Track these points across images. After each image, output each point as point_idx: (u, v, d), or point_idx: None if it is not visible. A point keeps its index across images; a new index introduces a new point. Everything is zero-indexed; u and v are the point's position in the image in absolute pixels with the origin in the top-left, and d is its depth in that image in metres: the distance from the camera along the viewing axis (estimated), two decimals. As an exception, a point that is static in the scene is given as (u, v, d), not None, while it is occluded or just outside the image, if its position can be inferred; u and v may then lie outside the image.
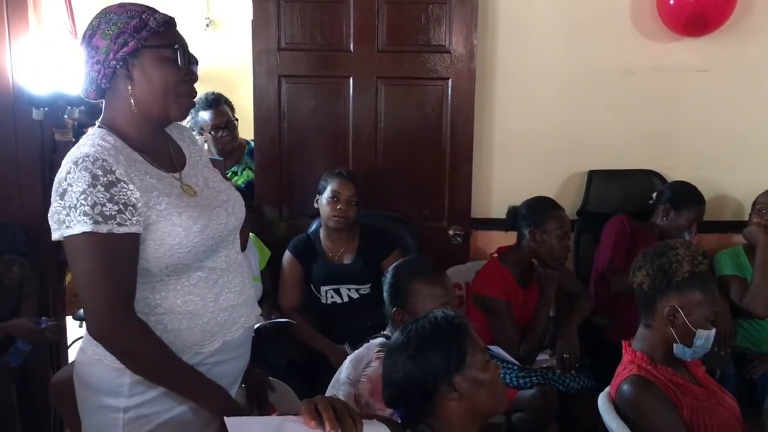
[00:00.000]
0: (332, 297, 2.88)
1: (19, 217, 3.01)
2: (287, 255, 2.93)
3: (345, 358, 2.54)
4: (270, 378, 1.98)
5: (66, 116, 3.04)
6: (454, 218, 3.23)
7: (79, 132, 3.27)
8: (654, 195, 3.08)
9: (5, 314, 2.90)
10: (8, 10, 2.91)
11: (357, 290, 2.87)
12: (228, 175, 3.42)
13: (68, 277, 3.30)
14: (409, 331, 1.51)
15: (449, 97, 3.14)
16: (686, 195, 2.99)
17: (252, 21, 3.14)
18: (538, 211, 2.74)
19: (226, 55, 4.42)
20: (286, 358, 2.75)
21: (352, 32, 3.11)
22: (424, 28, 3.10)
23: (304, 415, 1.15)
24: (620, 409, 1.89)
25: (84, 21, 3.43)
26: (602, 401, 1.96)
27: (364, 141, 3.21)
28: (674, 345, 1.91)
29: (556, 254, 2.68)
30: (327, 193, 2.84)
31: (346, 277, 2.87)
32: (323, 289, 2.88)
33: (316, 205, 2.91)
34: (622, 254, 2.94)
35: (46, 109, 2.92)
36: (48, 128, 3.01)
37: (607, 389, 1.99)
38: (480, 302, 2.72)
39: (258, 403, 1.87)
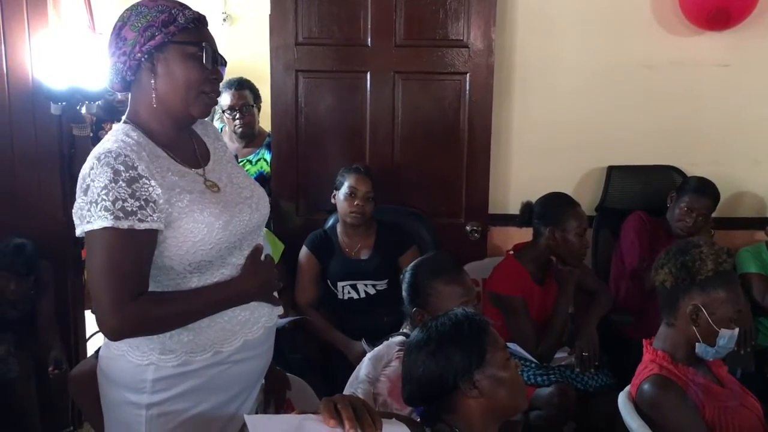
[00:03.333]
0: (349, 293, 2.87)
1: (38, 210, 3.04)
2: (304, 250, 2.92)
3: (361, 354, 2.55)
4: (288, 375, 1.98)
5: (84, 111, 3.05)
6: (471, 214, 3.21)
7: (97, 127, 3.29)
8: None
9: (27, 306, 2.94)
10: (28, 4, 2.92)
11: (374, 286, 2.86)
12: (242, 163, 3.42)
13: (86, 272, 3.31)
14: (429, 328, 1.50)
15: (467, 92, 3.12)
16: (687, 183, 2.96)
17: (269, 15, 3.13)
18: (556, 209, 2.71)
19: (243, 49, 4.41)
20: (303, 353, 2.74)
21: (369, 27, 3.10)
22: (442, 23, 3.08)
23: (323, 414, 1.14)
24: (641, 409, 1.87)
25: (102, 16, 3.44)
26: (622, 401, 1.94)
27: (381, 136, 3.19)
28: (696, 344, 1.88)
29: (575, 252, 2.65)
30: (344, 189, 2.83)
31: (363, 272, 2.86)
32: (340, 284, 2.87)
33: (333, 201, 2.90)
34: (648, 250, 2.91)
35: (64, 103, 2.93)
36: (66, 123, 3.02)
37: (627, 388, 1.97)
38: (495, 300, 2.69)
39: (276, 400, 1.87)
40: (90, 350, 3.35)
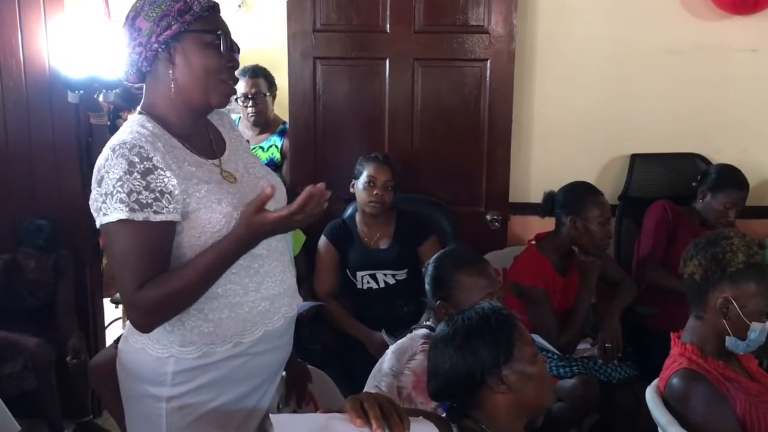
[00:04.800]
0: (368, 282, 2.84)
1: (56, 199, 3.04)
2: (323, 240, 2.90)
3: (381, 344, 2.53)
4: (309, 367, 1.96)
5: (101, 99, 3.04)
6: (491, 203, 3.16)
7: (114, 116, 3.27)
8: (699, 177, 2.98)
9: (45, 292, 2.95)
10: (44, -9, 2.91)
11: (393, 276, 2.84)
12: (254, 150, 3.41)
13: (105, 260, 3.33)
14: (455, 322, 1.47)
15: (487, 79, 3.07)
16: (724, 177, 2.87)
17: (287, 1, 3.09)
18: (577, 197, 2.66)
19: (258, 37, 4.37)
20: (322, 343, 2.73)
21: (388, 13, 3.05)
22: (462, 8, 3.02)
23: (349, 413, 1.12)
24: (669, 403, 1.83)
25: (118, 3, 3.41)
26: (650, 395, 1.90)
27: (400, 124, 3.15)
28: (726, 338, 1.84)
29: (598, 242, 2.60)
30: (363, 178, 2.80)
31: (383, 262, 2.83)
32: (359, 274, 2.84)
33: (351, 190, 2.87)
34: (662, 243, 2.86)
35: (81, 92, 2.91)
36: (83, 111, 3.01)
37: (655, 382, 1.93)
38: (517, 291, 2.66)
39: (297, 393, 1.86)
40: (109, 338, 3.36)
